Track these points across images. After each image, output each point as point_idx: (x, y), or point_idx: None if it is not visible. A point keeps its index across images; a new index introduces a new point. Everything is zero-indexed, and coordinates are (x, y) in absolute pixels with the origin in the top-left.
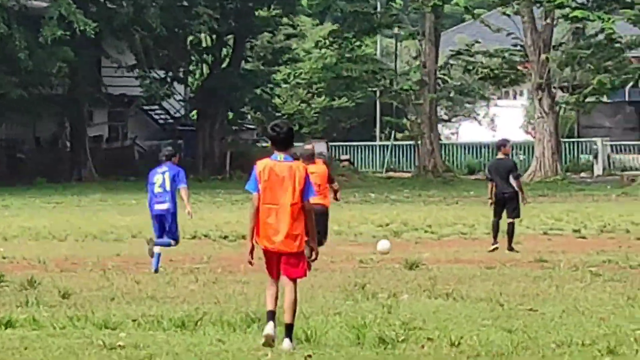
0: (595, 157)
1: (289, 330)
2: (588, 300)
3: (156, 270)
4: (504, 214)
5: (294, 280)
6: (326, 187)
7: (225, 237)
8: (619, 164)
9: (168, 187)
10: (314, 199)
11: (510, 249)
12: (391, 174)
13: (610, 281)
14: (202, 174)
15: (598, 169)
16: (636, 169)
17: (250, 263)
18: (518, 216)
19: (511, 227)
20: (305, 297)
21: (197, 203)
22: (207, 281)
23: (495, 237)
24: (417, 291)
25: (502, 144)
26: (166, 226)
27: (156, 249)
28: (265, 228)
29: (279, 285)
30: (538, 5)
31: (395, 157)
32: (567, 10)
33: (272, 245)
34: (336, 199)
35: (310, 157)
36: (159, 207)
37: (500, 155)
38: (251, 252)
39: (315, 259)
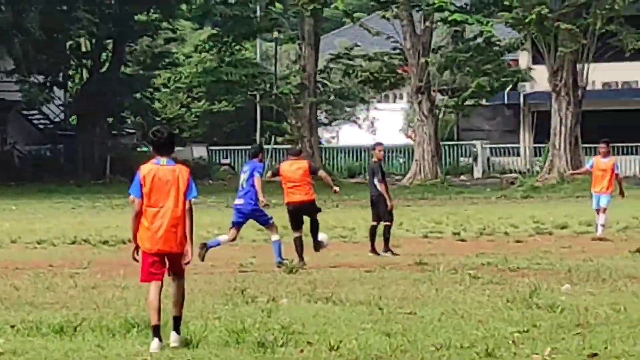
0: (475, 160)
1: (177, 323)
2: (467, 303)
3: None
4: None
5: (181, 278)
6: (309, 182)
7: (105, 242)
8: (498, 166)
9: (244, 184)
10: (299, 196)
11: (386, 250)
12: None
13: (489, 284)
14: (82, 178)
15: (477, 172)
16: (515, 172)
17: (136, 260)
18: (389, 219)
19: (385, 229)
20: (185, 302)
21: (77, 208)
22: (87, 286)
23: (372, 243)
24: (297, 295)
25: (372, 148)
26: (242, 220)
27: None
28: (151, 230)
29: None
30: (417, 8)
31: (276, 160)
32: (446, 13)
33: (158, 247)
34: (333, 190)
35: (298, 153)
36: (236, 202)
37: (374, 158)
38: (135, 250)
39: (189, 262)
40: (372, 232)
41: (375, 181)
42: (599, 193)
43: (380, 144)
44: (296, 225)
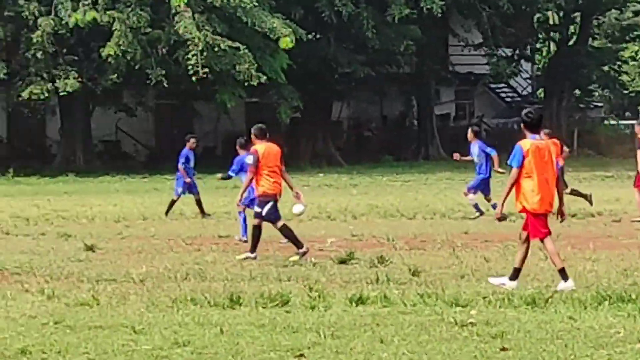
0: None
1: (563, 272)
2: None
3: None
4: None
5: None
6: None
7: (574, 215)
8: None
9: None
10: None
11: None
12: None
13: None
14: None
15: None
16: None
17: (503, 218)
18: None
19: None
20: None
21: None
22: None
23: None
24: None
25: None
26: None
27: None
28: (544, 195)
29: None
30: None
31: None
32: None
33: (545, 208)
34: None
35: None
36: None
37: None
38: (501, 209)
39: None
40: None
41: None
42: None
43: None
44: None
